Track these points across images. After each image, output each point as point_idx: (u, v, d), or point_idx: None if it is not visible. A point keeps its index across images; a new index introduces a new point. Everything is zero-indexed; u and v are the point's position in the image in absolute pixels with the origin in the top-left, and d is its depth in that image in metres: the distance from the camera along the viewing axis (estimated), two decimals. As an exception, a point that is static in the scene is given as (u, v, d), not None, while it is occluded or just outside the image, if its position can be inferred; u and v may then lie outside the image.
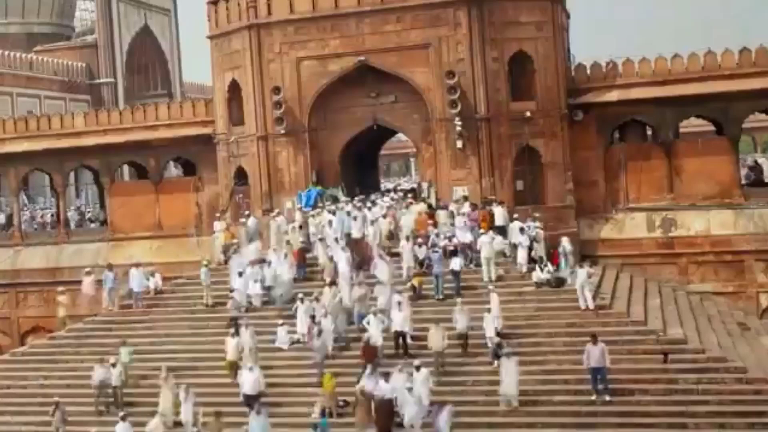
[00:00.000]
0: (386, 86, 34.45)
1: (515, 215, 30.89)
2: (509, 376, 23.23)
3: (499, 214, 30.92)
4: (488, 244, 28.96)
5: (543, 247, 29.79)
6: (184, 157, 40.47)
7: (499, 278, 28.77)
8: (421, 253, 29.32)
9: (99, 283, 32.71)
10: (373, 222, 30.94)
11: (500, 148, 33.18)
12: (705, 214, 33.59)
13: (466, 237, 29.81)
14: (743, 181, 36.79)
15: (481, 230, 29.97)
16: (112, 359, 26.33)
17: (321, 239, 30.72)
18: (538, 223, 30.46)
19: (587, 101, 34.56)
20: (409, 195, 35.72)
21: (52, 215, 47.33)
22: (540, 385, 24.36)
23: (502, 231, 30.24)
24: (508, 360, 23.44)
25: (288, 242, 31.13)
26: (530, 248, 29.59)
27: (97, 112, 42.37)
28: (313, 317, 26.51)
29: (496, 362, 24.26)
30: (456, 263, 28.31)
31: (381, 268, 28.24)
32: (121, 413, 23.52)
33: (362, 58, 33.86)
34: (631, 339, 25.58)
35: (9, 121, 42.98)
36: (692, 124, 42.90)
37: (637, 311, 27.69)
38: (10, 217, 44.20)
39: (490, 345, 25.08)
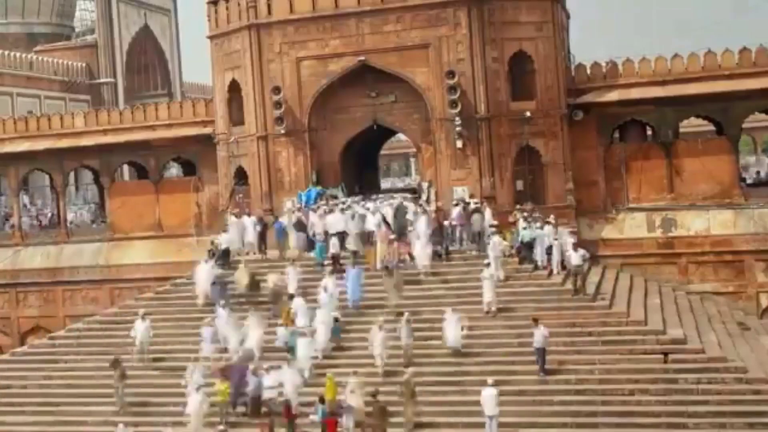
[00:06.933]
0: (386, 86, 34.43)
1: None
2: (450, 329, 25.31)
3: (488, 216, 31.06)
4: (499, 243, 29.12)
5: (542, 249, 29.70)
6: (184, 157, 40.42)
7: (507, 278, 28.78)
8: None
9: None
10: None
11: (500, 148, 33.19)
12: (705, 214, 33.59)
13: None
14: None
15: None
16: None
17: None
18: (538, 223, 30.45)
19: (587, 101, 34.55)
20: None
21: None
22: (540, 384, 24.39)
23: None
24: (452, 315, 25.42)
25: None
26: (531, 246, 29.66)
27: (97, 112, 42.31)
28: None
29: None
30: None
31: None
32: None
33: (362, 58, 33.85)
34: (631, 339, 25.59)
35: (9, 121, 42.90)
36: (692, 124, 42.86)
37: (637, 311, 27.69)
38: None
39: None
